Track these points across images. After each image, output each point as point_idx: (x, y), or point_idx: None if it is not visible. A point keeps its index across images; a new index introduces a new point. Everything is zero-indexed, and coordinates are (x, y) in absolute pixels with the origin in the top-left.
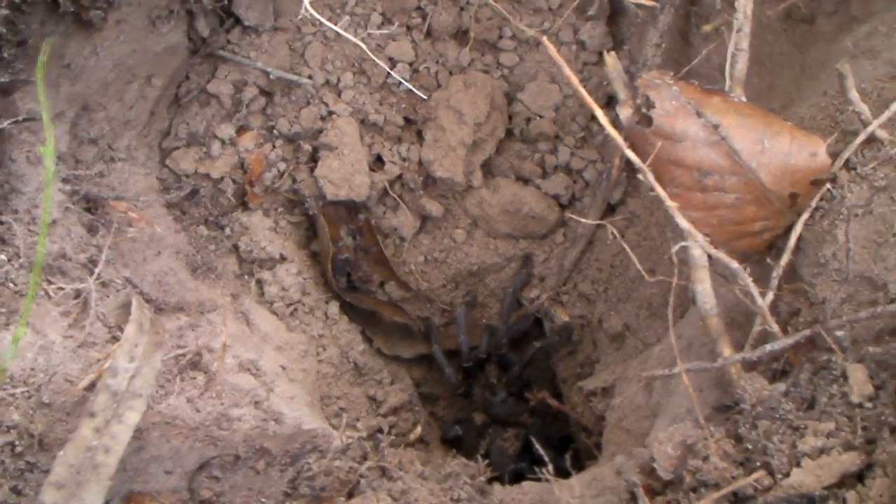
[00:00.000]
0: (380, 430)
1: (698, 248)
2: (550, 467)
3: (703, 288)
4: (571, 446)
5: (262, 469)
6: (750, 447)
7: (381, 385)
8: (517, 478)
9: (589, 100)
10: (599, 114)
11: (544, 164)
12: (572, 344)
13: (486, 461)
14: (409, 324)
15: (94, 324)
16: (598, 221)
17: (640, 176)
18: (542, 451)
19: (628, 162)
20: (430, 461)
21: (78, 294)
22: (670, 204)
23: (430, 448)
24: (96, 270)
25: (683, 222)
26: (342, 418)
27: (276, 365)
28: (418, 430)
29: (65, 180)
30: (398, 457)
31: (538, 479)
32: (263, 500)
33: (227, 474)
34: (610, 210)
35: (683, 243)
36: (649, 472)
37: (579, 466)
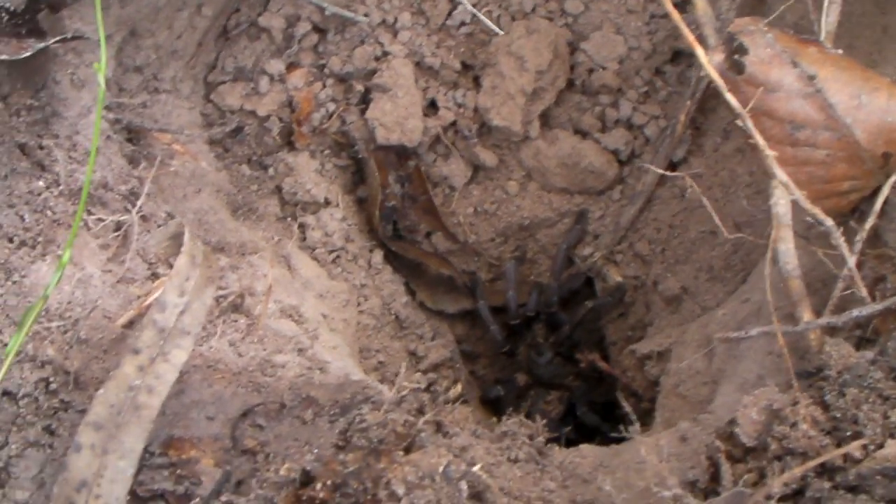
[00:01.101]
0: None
1: (784, 204)
2: (637, 425)
3: (787, 248)
4: (616, 412)
5: (309, 419)
6: (839, 416)
7: (422, 340)
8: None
9: (688, 33)
10: (700, 51)
11: (605, 118)
12: (624, 305)
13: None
14: (454, 277)
15: (135, 259)
16: (665, 173)
17: (738, 122)
18: (627, 408)
19: (693, 120)
20: (468, 419)
21: (118, 226)
22: (769, 153)
23: (470, 408)
24: (138, 203)
25: (781, 173)
26: (382, 372)
27: (318, 313)
28: (458, 387)
29: (107, 108)
30: (453, 412)
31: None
32: (312, 451)
33: (272, 423)
34: (672, 168)
35: (775, 197)
36: (727, 437)
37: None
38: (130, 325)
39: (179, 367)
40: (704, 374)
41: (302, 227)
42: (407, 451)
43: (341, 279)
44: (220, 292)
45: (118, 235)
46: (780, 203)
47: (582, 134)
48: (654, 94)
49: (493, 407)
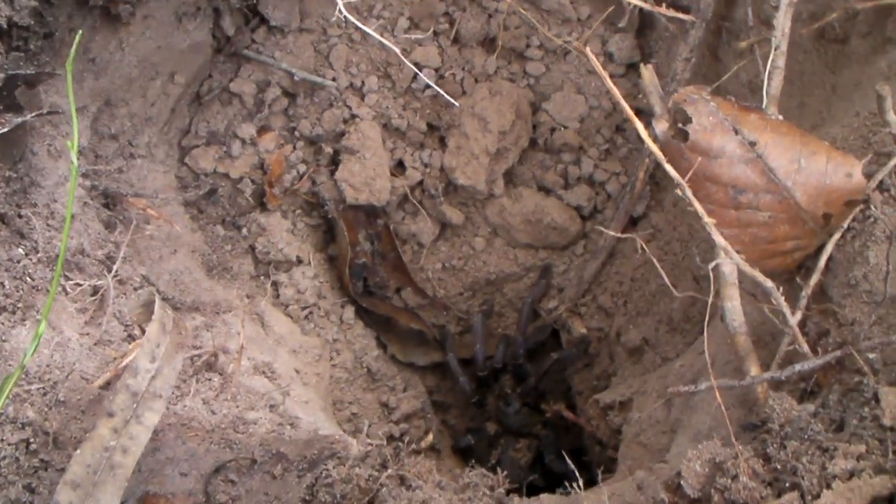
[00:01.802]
0: (392, 437)
1: (729, 264)
2: (580, 482)
3: (733, 305)
4: (583, 458)
5: (279, 474)
6: (779, 467)
7: (393, 391)
8: (531, 491)
9: (627, 108)
10: (639, 125)
11: (567, 175)
12: (589, 357)
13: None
14: (424, 331)
15: (111, 322)
16: (621, 235)
17: (678, 191)
18: (568, 463)
19: (652, 176)
20: (442, 470)
21: (95, 291)
22: (708, 220)
23: (441, 457)
24: (114, 267)
25: (720, 239)
26: (356, 423)
27: (291, 368)
28: (430, 437)
29: (84, 175)
30: (416, 466)
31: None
32: None
33: (244, 478)
34: (632, 223)
35: (717, 260)
36: (674, 488)
37: (591, 480)
38: (107, 386)
39: (152, 428)
40: (663, 423)
41: (275, 284)
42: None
43: (314, 334)
44: (195, 352)
45: (95, 299)
46: (725, 264)
47: (545, 191)
48: (615, 151)
49: (465, 455)
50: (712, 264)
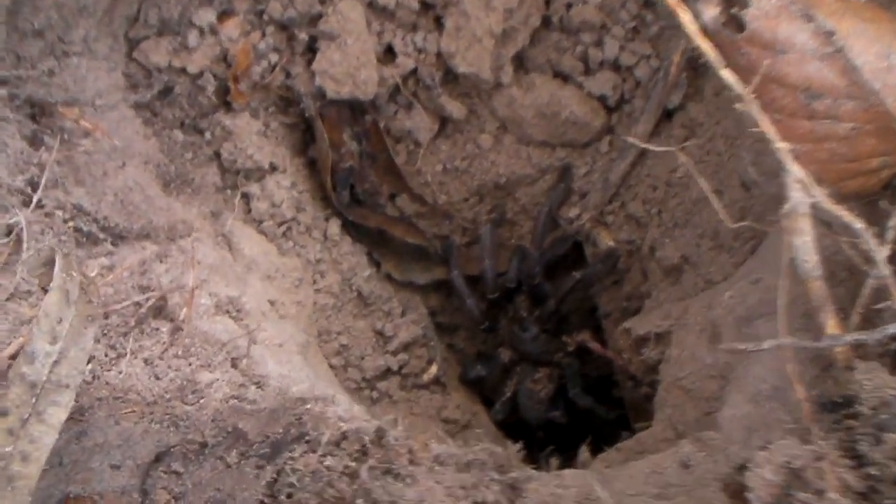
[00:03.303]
0: (389, 370)
1: (800, 191)
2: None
3: (805, 242)
4: (612, 392)
5: (234, 462)
6: (877, 473)
7: (389, 317)
8: (551, 430)
9: None
10: (680, 11)
11: (587, 59)
12: (618, 273)
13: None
14: (423, 244)
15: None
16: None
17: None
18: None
19: (690, 59)
20: (446, 406)
21: (10, 230)
22: (781, 146)
23: (446, 391)
24: (35, 197)
25: (798, 171)
26: (346, 357)
27: (264, 300)
28: (434, 369)
29: (3, 82)
30: (407, 447)
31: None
32: None
33: (191, 468)
34: (666, 116)
35: (792, 197)
36: (735, 492)
37: (623, 420)
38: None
39: (59, 427)
40: (710, 366)
41: (245, 197)
42: None
43: (293, 255)
44: (138, 296)
45: (8, 241)
46: (795, 189)
47: (562, 78)
48: (644, 29)
49: (475, 387)
50: (786, 206)
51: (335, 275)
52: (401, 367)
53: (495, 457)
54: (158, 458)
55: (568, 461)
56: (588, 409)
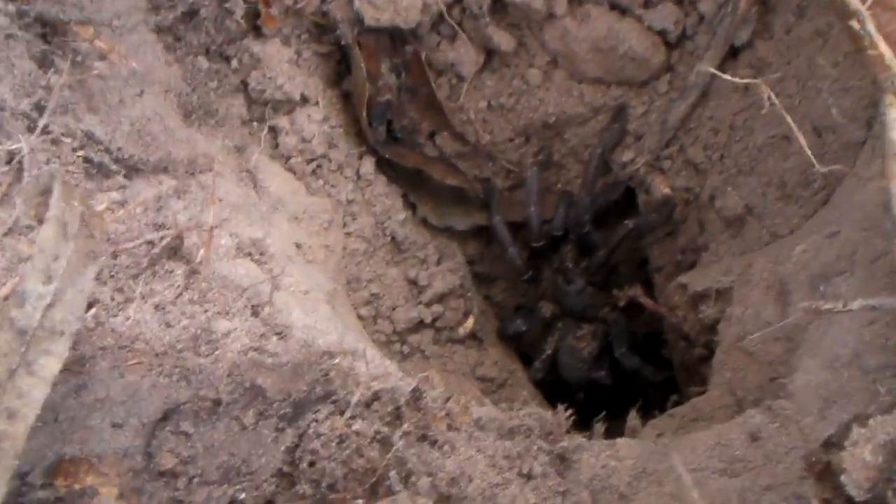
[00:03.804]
0: (422, 322)
1: None
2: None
3: None
4: (662, 353)
5: (250, 423)
6: None
7: (424, 264)
8: (592, 392)
9: None
10: None
11: None
12: (673, 224)
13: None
14: (464, 187)
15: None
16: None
17: (852, 24)
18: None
19: None
20: (482, 363)
21: (11, 157)
22: (889, 72)
23: (483, 346)
24: (40, 123)
25: None
26: (376, 306)
27: (290, 243)
28: (470, 322)
29: None
30: (445, 410)
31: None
32: (247, 477)
33: (202, 428)
34: (732, 54)
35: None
36: (822, 472)
37: (671, 382)
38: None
39: (50, 381)
40: (778, 326)
41: (273, 131)
42: (374, 490)
43: (323, 194)
44: (151, 235)
45: (9, 170)
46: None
47: (620, 10)
48: None
49: (513, 342)
50: (886, 119)
51: (368, 217)
52: (435, 320)
53: (543, 423)
54: (166, 417)
55: (612, 426)
56: (635, 370)
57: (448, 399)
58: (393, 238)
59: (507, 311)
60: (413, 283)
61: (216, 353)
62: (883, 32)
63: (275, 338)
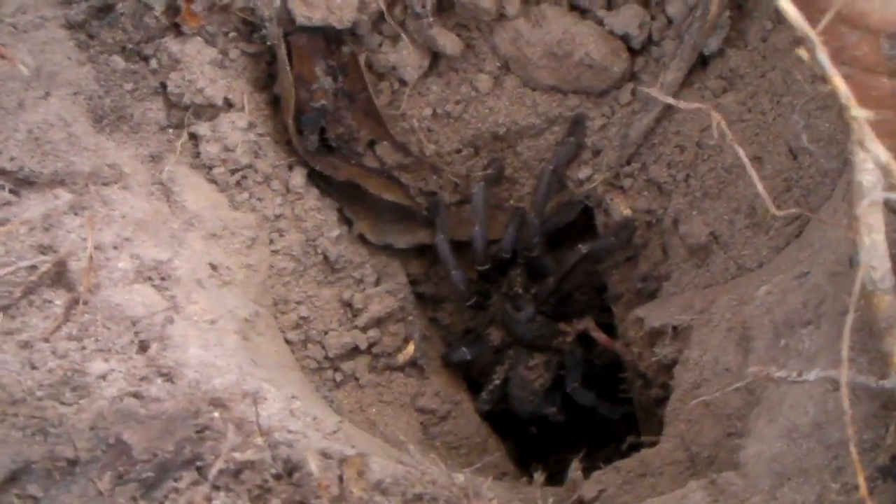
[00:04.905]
0: (356, 349)
1: (870, 172)
2: None
3: (874, 241)
4: (620, 388)
5: (106, 487)
6: None
7: (361, 285)
8: (545, 425)
9: None
10: None
11: None
12: (633, 249)
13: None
14: (405, 202)
15: None
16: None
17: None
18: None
19: None
20: (423, 393)
21: None
22: (856, 112)
23: (425, 375)
24: None
25: (874, 144)
26: (306, 331)
27: (203, 263)
28: (411, 349)
29: None
30: (334, 476)
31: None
32: None
33: (52, 491)
34: (701, 63)
35: (860, 164)
36: None
37: (631, 420)
38: None
39: None
40: (738, 374)
41: (193, 138)
42: None
43: (247, 209)
44: (29, 259)
45: None
46: (867, 171)
47: (579, 11)
48: None
49: (461, 370)
50: (865, 202)
51: (297, 234)
52: (371, 346)
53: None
54: (14, 477)
55: (563, 465)
56: (589, 406)
57: (343, 461)
58: (325, 257)
59: (455, 336)
60: (348, 305)
61: (82, 401)
62: (850, 56)
63: (159, 380)
